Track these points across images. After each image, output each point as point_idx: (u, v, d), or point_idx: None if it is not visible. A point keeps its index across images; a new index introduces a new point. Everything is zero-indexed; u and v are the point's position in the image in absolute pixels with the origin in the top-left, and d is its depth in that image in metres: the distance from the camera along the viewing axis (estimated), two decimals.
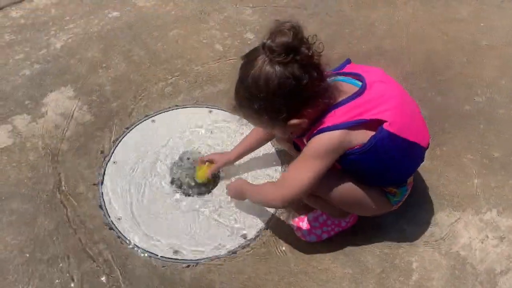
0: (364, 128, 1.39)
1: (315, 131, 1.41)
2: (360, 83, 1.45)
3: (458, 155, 1.95)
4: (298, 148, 1.57)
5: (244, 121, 1.50)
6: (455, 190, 1.85)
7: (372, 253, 1.67)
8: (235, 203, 1.76)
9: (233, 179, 1.80)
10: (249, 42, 2.31)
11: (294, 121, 1.39)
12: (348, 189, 1.51)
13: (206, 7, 2.44)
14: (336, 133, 1.38)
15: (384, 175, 1.51)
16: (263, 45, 1.31)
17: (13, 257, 1.60)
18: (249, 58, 1.37)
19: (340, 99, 1.41)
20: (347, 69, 1.56)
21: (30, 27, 2.29)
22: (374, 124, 1.39)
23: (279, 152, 1.92)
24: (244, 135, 1.87)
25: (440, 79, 2.23)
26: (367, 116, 1.39)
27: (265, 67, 1.31)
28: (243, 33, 2.35)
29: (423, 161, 1.60)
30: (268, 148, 1.93)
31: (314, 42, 1.34)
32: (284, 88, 1.31)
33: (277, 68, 1.30)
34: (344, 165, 1.45)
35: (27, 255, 1.61)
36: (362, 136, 1.40)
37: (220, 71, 2.17)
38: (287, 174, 1.52)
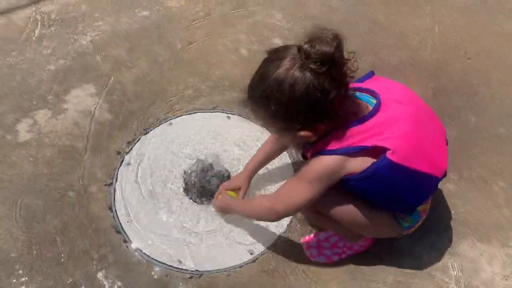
0: (365, 154, 1.31)
1: (317, 151, 1.35)
2: (374, 102, 1.36)
3: (488, 180, 1.83)
4: (304, 156, 1.50)
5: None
6: (481, 218, 1.73)
7: (384, 281, 1.59)
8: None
9: (219, 196, 1.73)
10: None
11: (304, 133, 1.31)
12: (356, 210, 1.43)
13: (236, 10, 2.40)
14: (332, 159, 1.32)
15: (389, 203, 1.42)
16: (299, 48, 1.21)
17: (20, 253, 1.61)
18: (276, 55, 1.27)
19: (351, 120, 1.33)
20: (367, 83, 1.47)
21: (60, 22, 2.31)
22: (377, 150, 1.30)
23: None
24: (261, 141, 1.82)
25: (475, 97, 2.10)
26: (369, 143, 1.30)
27: (294, 70, 1.21)
28: (270, 38, 2.29)
29: (436, 190, 1.48)
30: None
31: (350, 59, 1.26)
32: (309, 98, 1.23)
33: (308, 75, 1.21)
34: (346, 189, 1.38)
35: (35, 252, 1.62)
36: (361, 163, 1.31)
37: (243, 77, 2.11)
38: (283, 190, 1.46)
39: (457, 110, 2.05)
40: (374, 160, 1.31)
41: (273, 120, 1.32)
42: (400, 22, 2.38)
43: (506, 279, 1.59)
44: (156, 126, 1.95)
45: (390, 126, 1.32)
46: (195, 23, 2.33)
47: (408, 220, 1.49)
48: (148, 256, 1.63)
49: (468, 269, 1.61)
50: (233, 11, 2.39)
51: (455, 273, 1.61)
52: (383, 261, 1.63)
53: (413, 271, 1.61)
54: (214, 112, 2.01)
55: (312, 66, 1.20)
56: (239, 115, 2.00)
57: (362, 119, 1.32)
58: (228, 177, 1.82)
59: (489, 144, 1.93)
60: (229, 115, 2.00)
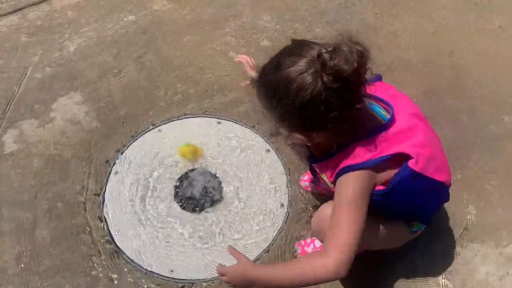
0: (387, 166, 1.26)
1: (339, 168, 1.26)
2: (386, 115, 1.30)
3: (481, 180, 1.82)
4: (313, 171, 1.47)
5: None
6: (475, 219, 1.72)
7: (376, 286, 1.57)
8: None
9: (225, 264, 1.45)
10: (265, 50, 2.22)
11: (314, 134, 1.24)
12: (372, 228, 1.35)
13: (223, 12, 2.37)
14: (364, 173, 1.24)
15: (408, 213, 1.41)
16: (319, 54, 1.12)
17: (8, 267, 1.58)
18: (298, 50, 1.18)
19: (364, 131, 1.26)
20: (375, 88, 1.34)
21: (46, 29, 2.28)
22: (398, 160, 1.25)
23: (283, 161, 1.84)
24: (252, 148, 1.82)
25: (467, 96, 2.09)
26: (392, 151, 1.24)
27: (306, 75, 1.13)
28: (259, 41, 2.26)
29: (448, 200, 1.48)
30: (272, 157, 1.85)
31: (367, 80, 1.18)
32: (310, 108, 1.15)
33: (318, 85, 1.12)
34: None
35: (22, 265, 1.59)
36: (386, 175, 1.27)
37: (232, 80, 2.09)
38: (334, 233, 1.24)
39: (449, 109, 2.03)
40: (396, 171, 1.26)
41: (270, 112, 1.24)
42: (389, 21, 2.37)
43: (500, 279, 1.58)
44: (145, 133, 1.93)
45: (407, 137, 1.27)
46: (183, 27, 2.31)
47: (415, 225, 1.47)
48: (139, 266, 1.61)
49: (462, 271, 1.59)
50: (220, 13, 2.37)
51: (449, 275, 1.59)
52: (376, 267, 1.61)
53: (406, 275, 1.59)
54: (204, 117, 1.99)
55: (324, 78, 1.12)
56: (230, 119, 1.98)
57: (378, 130, 1.26)
58: (219, 183, 1.79)
59: (481, 143, 1.92)
60: (220, 120, 1.98)
